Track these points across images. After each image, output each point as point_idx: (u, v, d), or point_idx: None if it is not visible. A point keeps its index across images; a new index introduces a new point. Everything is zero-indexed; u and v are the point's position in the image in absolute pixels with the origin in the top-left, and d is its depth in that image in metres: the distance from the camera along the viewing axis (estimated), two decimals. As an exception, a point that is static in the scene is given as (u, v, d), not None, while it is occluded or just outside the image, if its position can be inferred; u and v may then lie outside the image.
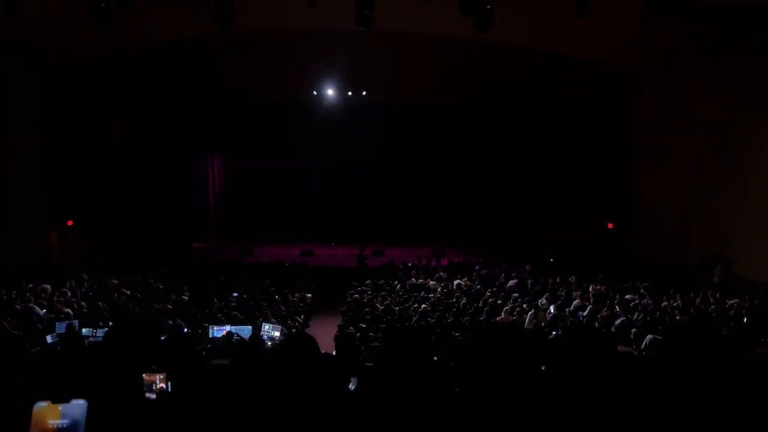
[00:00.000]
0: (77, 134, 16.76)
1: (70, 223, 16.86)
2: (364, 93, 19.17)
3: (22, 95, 15.22)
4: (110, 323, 9.89)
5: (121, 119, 18.61)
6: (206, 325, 10.29)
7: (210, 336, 9.98)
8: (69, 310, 10.97)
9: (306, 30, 14.48)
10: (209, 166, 22.54)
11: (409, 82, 18.36)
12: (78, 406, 1.85)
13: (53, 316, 10.50)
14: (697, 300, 12.16)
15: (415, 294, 14.06)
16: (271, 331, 10.46)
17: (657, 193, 16.81)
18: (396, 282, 15.81)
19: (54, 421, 1.84)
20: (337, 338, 10.35)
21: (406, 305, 12.85)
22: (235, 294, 13.27)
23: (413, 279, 15.97)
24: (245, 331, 10.12)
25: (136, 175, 19.40)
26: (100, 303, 11.59)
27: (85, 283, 13.38)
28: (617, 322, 11.21)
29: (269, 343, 9.83)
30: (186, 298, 13.00)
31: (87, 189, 17.07)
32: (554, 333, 10.07)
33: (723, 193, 14.58)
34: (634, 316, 11.30)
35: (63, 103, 16.22)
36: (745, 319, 10.49)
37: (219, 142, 21.40)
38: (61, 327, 9.61)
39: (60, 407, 1.83)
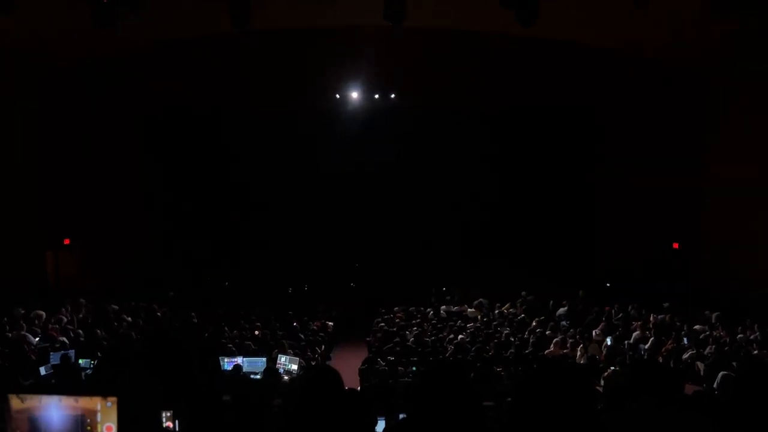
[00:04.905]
0: (77, 145, 17.10)
1: (66, 241, 17.17)
2: (392, 96, 19.25)
3: (21, 102, 15.60)
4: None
5: (126, 128, 18.94)
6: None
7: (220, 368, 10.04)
8: (64, 339, 11.16)
9: (329, 27, 14.65)
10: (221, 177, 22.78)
11: (443, 84, 18.37)
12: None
13: (47, 345, 10.67)
14: (779, 332, 11.89)
15: (450, 323, 13.99)
16: (288, 364, 10.50)
17: (730, 208, 16.46)
18: (429, 309, 15.75)
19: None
20: (362, 372, 10.33)
21: (441, 335, 12.81)
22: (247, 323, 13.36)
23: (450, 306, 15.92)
24: (259, 363, 10.16)
25: (142, 187, 19.71)
26: (98, 331, 11.74)
27: (83, 309, 13.59)
28: (685, 356, 11.07)
29: (286, 378, 9.86)
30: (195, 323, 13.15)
31: (86, 204, 17.35)
32: (611, 369, 9.95)
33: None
34: (705, 350, 11.11)
35: (64, 111, 16.58)
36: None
37: (232, 151, 21.64)
38: (55, 357, 9.75)
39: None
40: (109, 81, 17.22)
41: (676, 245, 18.09)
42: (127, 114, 18.83)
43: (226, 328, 12.58)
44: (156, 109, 19.86)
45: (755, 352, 10.66)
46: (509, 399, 6.70)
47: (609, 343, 11.68)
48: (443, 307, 15.93)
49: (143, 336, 11.48)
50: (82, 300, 13.90)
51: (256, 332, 12.66)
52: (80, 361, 9.89)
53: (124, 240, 18.40)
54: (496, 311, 15.34)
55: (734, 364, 10.02)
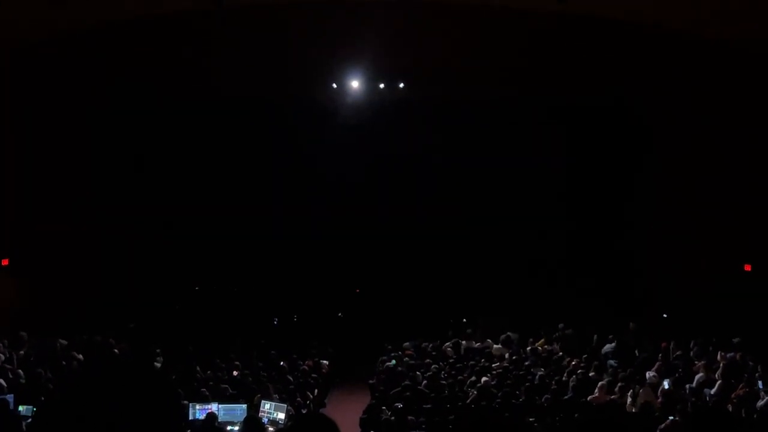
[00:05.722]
0: (19, 147, 17.10)
1: (5, 262, 17.20)
2: (401, 85, 19.27)
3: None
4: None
5: (77, 128, 18.95)
6: (186, 402, 10.35)
7: (190, 418, 10.04)
8: (1, 381, 11.14)
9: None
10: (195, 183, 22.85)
11: (463, 71, 18.38)
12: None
13: (-20, 388, 10.68)
14: None
15: (471, 362, 14.00)
16: (274, 412, 10.50)
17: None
18: (446, 344, 15.74)
19: None
20: (364, 423, 10.32)
21: (460, 378, 12.80)
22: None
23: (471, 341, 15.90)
24: (238, 411, 10.16)
25: (96, 197, 19.70)
26: (42, 371, 11.74)
27: (24, 344, 13.58)
28: (760, 403, 10.98)
29: (271, 429, 9.85)
30: (158, 365, 13.12)
31: (29, 217, 17.37)
32: (669, 419, 9.92)
33: None
34: (786, 396, 11.03)
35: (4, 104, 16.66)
36: None
37: (204, 151, 21.68)
38: (-10, 404, 9.75)
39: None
40: (55, 70, 17.25)
41: (748, 267, 18.00)
42: (76, 111, 18.79)
43: (198, 368, 12.56)
44: (111, 103, 19.85)
45: None
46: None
47: (666, 387, 11.67)
48: (463, 342, 15.90)
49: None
50: (23, 333, 13.90)
51: (235, 373, 12.64)
52: (20, 407, 9.89)
53: (75, 260, 18.39)
54: (528, 348, 15.33)
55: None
